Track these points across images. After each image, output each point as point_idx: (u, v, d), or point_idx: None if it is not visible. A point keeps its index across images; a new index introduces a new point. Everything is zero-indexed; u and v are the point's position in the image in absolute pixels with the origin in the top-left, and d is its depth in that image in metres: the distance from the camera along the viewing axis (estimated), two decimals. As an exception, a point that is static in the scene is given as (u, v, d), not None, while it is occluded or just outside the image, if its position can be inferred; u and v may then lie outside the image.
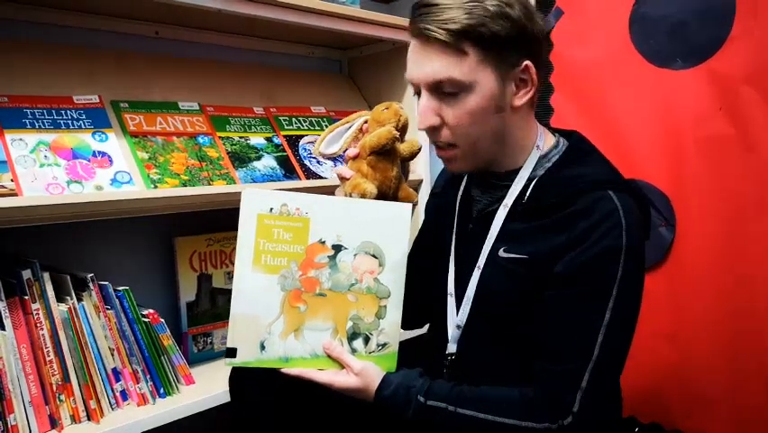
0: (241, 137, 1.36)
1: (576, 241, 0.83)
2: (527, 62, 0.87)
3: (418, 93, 0.90)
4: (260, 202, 0.89)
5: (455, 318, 0.96)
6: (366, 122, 1.01)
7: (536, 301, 0.86)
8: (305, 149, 1.45)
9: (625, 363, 0.87)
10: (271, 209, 0.90)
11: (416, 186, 1.64)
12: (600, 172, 0.90)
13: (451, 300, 0.98)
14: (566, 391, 0.82)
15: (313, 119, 1.54)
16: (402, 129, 0.98)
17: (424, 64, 0.86)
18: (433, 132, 0.89)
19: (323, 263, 0.91)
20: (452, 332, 0.96)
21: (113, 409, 1.12)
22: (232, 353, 0.89)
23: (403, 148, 1.00)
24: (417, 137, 1.06)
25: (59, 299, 1.08)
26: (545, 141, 0.95)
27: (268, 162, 1.36)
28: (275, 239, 0.90)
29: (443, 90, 0.86)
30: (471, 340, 0.95)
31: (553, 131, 0.99)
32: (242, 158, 1.32)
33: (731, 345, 1.30)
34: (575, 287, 0.83)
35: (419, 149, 1.01)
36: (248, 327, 0.89)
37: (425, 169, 1.64)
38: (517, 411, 0.84)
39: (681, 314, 1.36)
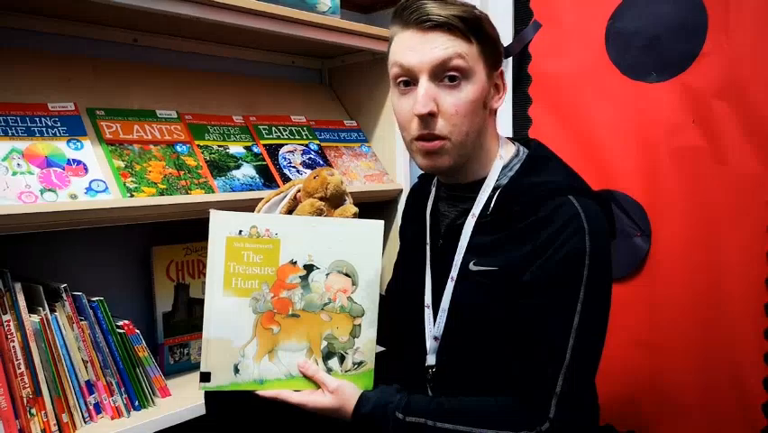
0: (220, 146, 1.35)
1: (541, 249, 0.84)
2: (501, 69, 0.94)
3: (405, 83, 0.90)
4: (228, 225, 0.88)
5: (432, 330, 0.96)
6: (299, 191, 1.03)
7: (509, 311, 0.87)
8: (284, 158, 1.45)
9: (598, 365, 0.88)
10: (240, 232, 0.89)
11: (396, 196, 1.64)
12: (561, 179, 0.91)
13: (428, 312, 0.98)
14: (541, 397, 0.83)
15: (293, 128, 1.54)
16: (331, 196, 1.00)
17: (429, 47, 0.86)
18: (428, 120, 0.88)
19: (295, 284, 0.91)
20: (430, 344, 0.96)
21: (86, 422, 1.10)
22: (206, 377, 0.88)
23: (337, 214, 1.00)
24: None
25: (31, 309, 1.05)
26: (506, 150, 0.97)
27: (247, 171, 1.35)
28: (245, 262, 0.89)
29: (444, 77, 0.87)
30: (450, 351, 0.95)
31: (513, 140, 1.01)
32: (220, 166, 1.31)
33: (705, 353, 1.32)
34: (544, 294, 0.84)
35: (354, 214, 1.01)
36: (221, 350, 0.89)
37: (404, 179, 1.65)
38: (496, 421, 0.84)
39: (656, 323, 1.38)
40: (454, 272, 0.93)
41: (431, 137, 0.89)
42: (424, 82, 0.87)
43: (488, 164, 0.95)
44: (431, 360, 0.96)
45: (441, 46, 0.86)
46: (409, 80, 0.89)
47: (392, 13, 0.92)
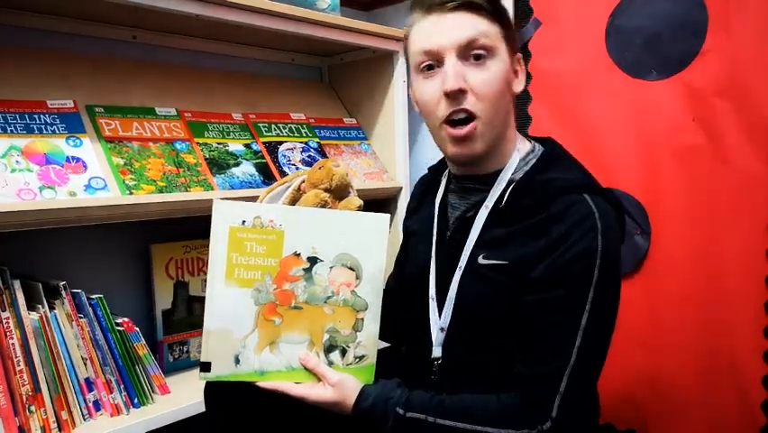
0: (219, 143, 1.35)
1: (553, 245, 0.84)
2: (519, 55, 0.94)
3: (428, 67, 0.90)
4: (232, 214, 0.88)
5: (438, 322, 0.96)
6: (304, 182, 1.01)
7: (515, 306, 0.86)
8: (284, 156, 1.45)
9: (603, 366, 0.87)
10: (244, 222, 0.88)
11: (396, 193, 1.64)
12: (576, 176, 0.91)
13: (433, 304, 0.97)
14: (544, 395, 0.82)
15: (292, 126, 1.54)
16: (336, 188, 0.98)
17: (451, 28, 0.87)
18: (458, 97, 0.87)
19: (298, 276, 0.90)
20: (436, 335, 0.96)
21: (85, 420, 1.10)
22: (206, 367, 0.88)
23: (341, 206, 0.99)
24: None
25: (31, 307, 1.05)
26: (522, 145, 0.97)
27: (246, 169, 1.35)
28: (248, 252, 0.88)
29: (471, 54, 0.87)
30: (456, 343, 0.94)
31: (529, 138, 1.00)
32: (220, 164, 1.31)
33: (705, 351, 1.32)
34: (552, 291, 0.84)
35: (358, 207, 1.00)
36: (221, 341, 0.88)
37: (404, 177, 1.65)
38: (497, 419, 0.84)
39: (656, 321, 1.38)
40: (462, 263, 0.93)
41: (462, 117, 0.88)
42: (451, 60, 0.87)
43: (506, 156, 0.95)
44: (437, 352, 0.96)
45: (467, 25, 0.87)
46: (434, 64, 0.89)
47: (411, 4, 0.92)
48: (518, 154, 0.94)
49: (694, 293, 1.33)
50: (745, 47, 1.23)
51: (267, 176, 1.37)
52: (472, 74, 0.87)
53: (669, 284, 1.36)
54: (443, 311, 0.95)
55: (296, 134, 1.52)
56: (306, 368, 0.91)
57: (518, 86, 0.95)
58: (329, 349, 0.92)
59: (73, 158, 1.10)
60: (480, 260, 0.91)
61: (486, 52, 0.87)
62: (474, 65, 0.88)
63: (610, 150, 1.43)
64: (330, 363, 0.91)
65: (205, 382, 0.97)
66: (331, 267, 0.91)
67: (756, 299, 1.26)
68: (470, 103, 0.87)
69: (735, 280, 1.27)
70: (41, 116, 1.12)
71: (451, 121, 0.89)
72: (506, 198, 0.91)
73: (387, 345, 1.15)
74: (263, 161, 1.40)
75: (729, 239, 1.28)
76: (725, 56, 1.26)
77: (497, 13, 0.89)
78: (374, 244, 0.92)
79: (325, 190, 0.98)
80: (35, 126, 1.10)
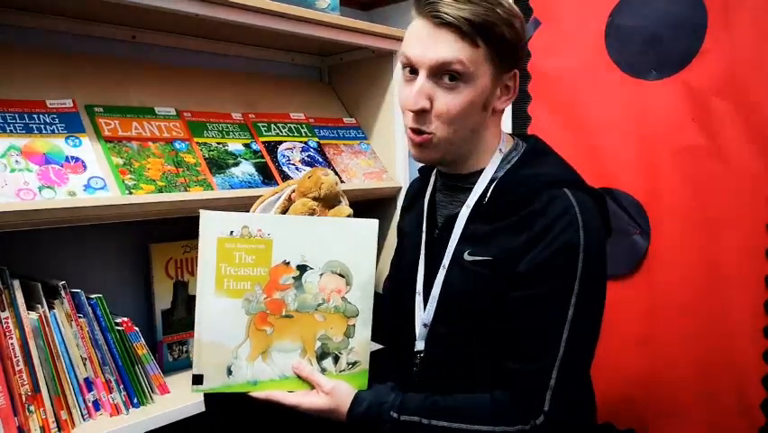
0: (218, 143, 1.35)
1: (535, 240, 0.84)
2: (516, 71, 0.92)
3: (410, 71, 0.90)
4: (219, 225, 0.87)
5: (422, 316, 0.96)
6: (294, 191, 1.02)
7: (500, 301, 0.87)
8: (283, 155, 1.45)
9: (592, 360, 0.88)
10: (232, 232, 0.88)
11: (395, 193, 1.64)
12: (557, 172, 0.92)
13: (419, 299, 0.98)
14: (535, 390, 0.82)
15: (292, 125, 1.54)
16: (325, 196, 0.99)
17: (433, 45, 0.85)
18: (419, 116, 0.88)
19: (288, 285, 0.90)
20: (420, 330, 0.96)
21: (84, 420, 1.10)
22: (198, 379, 0.88)
23: (331, 215, 0.99)
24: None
25: (30, 307, 1.05)
26: (506, 144, 0.97)
27: (246, 169, 1.35)
28: (237, 263, 0.88)
29: (444, 76, 0.86)
30: (438, 338, 0.95)
31: (512, 135, 1.01)
32: (219, 164, 1.31)
33: (704, 351, 1.32)
34: (537, 286, 0.84)
35: (348, 216, 1.00)
36: (213, 352, 0.88)
37: (404, 177, 1.64)
38: (490, 417, 0.84)
39: (655, 320, 1.38)
40: (446, 261, 0.93)
41: (419, 131, 0.90)
42: (422, 78, 0.87)
43: (486, 157, 0.95)
44: (419, 346, 0.96)
45: (444, 47, 0.84)
46: (412, 70, 0.89)
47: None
48: (501, 154, 0.95)
49: (694, 293, 1.33)
50: (744, 47, 1.23)
51: (266, 176, 1.37)
52: (440, 95, 0.87)
53: (668, 284, 1.36)
54: (428, 306, 0.95)
55: (295, 134, 1.52)
56: (299, 376, 0.91)
57: (503, 103, 0.93)
58: (322, 356, 0.92)
59: (72, 158, 1.10)
60: (466, 256, 0.91)
61: (459, 77, 0.86)
62: (445, 87, 0.87)
63: (610, 149, 1.43)
64: (323, 371, 0.92)
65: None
66: (321, 274, 0.91)
67: (756, 299, 1.26)
68: (428, 123, 0.88)
69: (735, 281, 1.28)
70: (41, 116, 1.12)
71: (412, 128, 0.91)
72: (488, 195, 0.91)
73: (379, 346, 1.15)
74: (263, 160, 1.40)
75: (729, 239, 1.28)
76: (724, 56, 1.26)
77: (485, 37, 0.84)
78: (363, 249, 0.92)
79: (314, 199, 0.98)
80: (35, 126, 1.10)
